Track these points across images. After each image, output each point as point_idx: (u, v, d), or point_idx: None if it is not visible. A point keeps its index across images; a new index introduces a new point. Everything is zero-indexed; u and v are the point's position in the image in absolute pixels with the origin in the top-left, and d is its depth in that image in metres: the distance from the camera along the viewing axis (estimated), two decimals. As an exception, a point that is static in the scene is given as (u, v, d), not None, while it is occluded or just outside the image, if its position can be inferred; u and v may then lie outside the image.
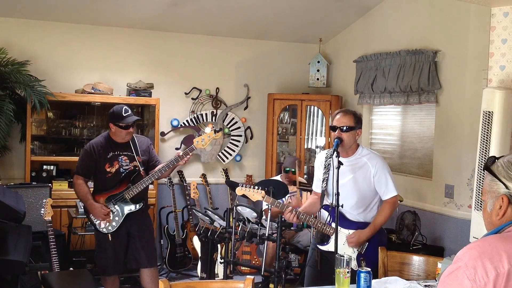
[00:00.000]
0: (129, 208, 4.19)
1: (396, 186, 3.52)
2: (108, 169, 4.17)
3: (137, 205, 4.20)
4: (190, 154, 4.18)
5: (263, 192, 3.46)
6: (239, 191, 3.54)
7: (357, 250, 3.47)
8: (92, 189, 4.31)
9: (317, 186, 3.68)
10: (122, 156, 4.20)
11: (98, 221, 4.17)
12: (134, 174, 4.19)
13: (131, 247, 4.25)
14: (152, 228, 4.70)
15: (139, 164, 4.21)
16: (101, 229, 4.17)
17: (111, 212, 4.16)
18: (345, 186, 3.38)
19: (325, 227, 3.46)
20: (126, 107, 4.17)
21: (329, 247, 3.45)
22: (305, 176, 6.16)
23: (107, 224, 4.17)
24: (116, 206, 4.18)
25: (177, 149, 6.28)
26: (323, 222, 3.48)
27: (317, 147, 6.60)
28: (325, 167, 3.52)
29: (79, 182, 4.19)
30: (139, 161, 4.21)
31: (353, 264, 3.37)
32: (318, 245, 3.53)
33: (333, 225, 3.41)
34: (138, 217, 4.26)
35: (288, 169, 5.50)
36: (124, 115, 4.09)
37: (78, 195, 4.24)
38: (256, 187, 3.52)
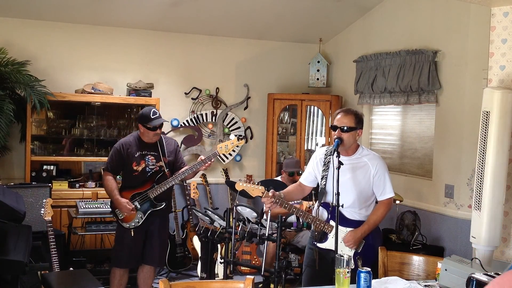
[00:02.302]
0: (151, 207, 4.33)
1: (393, 188, 3.54)
2: (135, 168, 4.32)
3: (160, 205, 4.34)
4: (213, 159, 4.33)
5: (262, 187, 3.45)
6: (238, 186, 3.54)
7: (352, 248, 3.47)
8: (120, 185, 4.48)
9: (305, 179, 3.69)
10: (149, 156, 4.36)
11: (122, 217, 4.32)
12: (159, 175, 4.33)
13: (147, 244, 4.40)
14: (168, 231, 4.95)
15: (164, 165, 4.35)
16: (124, 224, 4.33)
17: (135, 209, 4.31)
18: (344, 185, 3.38)
19: (323, 224, 3.46)
20: (154, 109, 4.31)
21: (327, 244, 3.46)
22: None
23: (130, 220, 4.32)
24: (140, 203, 4.31)
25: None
26: (321, 220, 3.48)
27: (316, 144, 6.59)
28: (324, 164, 3.52)
29: (108, 178, 4.38)
30: (164, 162, 4.36)
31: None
32: (316, 243, 3.53)
33: (331, 222, 3.41)
34: (159, 216, 4.41)
35: (292, 172, 5.49)
36: (152, 117, 4.24)
37: (106, 190, 4.43)
38: (256, 183, 3.52)
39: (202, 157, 4.33)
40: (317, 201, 3.56)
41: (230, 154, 6.53)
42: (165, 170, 4.34)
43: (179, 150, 4.55)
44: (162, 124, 4.33)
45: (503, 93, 3.47)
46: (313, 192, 4.08)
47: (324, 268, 3.41)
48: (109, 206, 4.51)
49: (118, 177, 4.60)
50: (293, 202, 3.76)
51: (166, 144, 4.43)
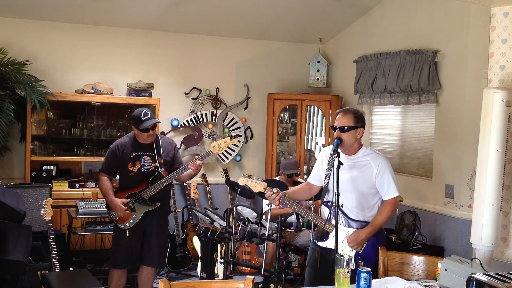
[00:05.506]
0: (146, 208, 4.31)
1: (397, 187, 3.51)
2: (130, 168, 4.32)
3: (154, 205, 4.31)
4: (207, 157, 4.37)
5: (265, 184, 3.46)
6: (241, 181, 3.54)
7: (355, 249, 3.46)
8: (118, 186, 4.48)
9: (313, 178, 3.71)
10: (145, 157, 4.34)
11: (117, 217, 4.31)
12: (153, 175, 4.30)
13: (145, 245, 4.38)
14: (167, 231, 4.95)
15: (159, 165, 4.33)
16: (119, 225, 4.32)
17: (129, 209, 4.29)
18: (344, 184, 3.38)
19: (325, 223, 3.46)
20: (146, 110, 4.26)
21: (328, 243, 3.45)
22: (305, 176, 6.16)
23: (125, 220, 4.31)
24: (134, 204, 4.29)
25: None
26: (323, 218, 3.48)
27: (316, 143, 6.59)
28: (328, 163, 3.52)
29: (103, 179, 4.39)
30: (159, 162, 4.34)
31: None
32: (317, 241, 3.52)
33: (333, 221, 3.41)
34: (156, 217, 4.39)
35: (291, 174, 5.48)
36: (143, 119, 4.21)
37: (101, 191, 4.44)
38: (259, 179, 3.52)
39: (197, 157, 4.36)
40: (320, 200, 3.56)
41: (230, 154, 6.53)
42: (160, 170, 4.32)
43: (177, 151, 4.53)
44: (155, 124, 4.31)
45: (488, 92, 3.48)
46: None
47: (325, 267, 3.40)
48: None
49: (116, 177, 4.61)
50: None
51: (163, 144, 4.41)
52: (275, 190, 3.43)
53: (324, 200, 3.51)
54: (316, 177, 3.69)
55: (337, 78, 6.66)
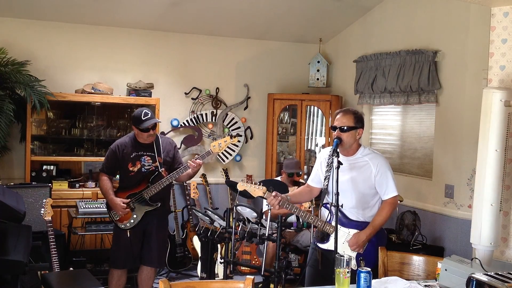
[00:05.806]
0: (147, 207, 4.31)
1: (396, 187, 3.50)
2: (130, 168, 4.32)
3: (155, 205, 4.32)
4: (207, 157, 4.38)
5: (264, 188, 3.46)
6: (240, 186, 3.54)
7: (357, 251, 3.46)
8: (118, 186, 4.49)
9: (312, 180, 3.71)
10: (145, 156, 4.35)
11: (118, 217, 4.32)
12: (153, 175, 4.31)
13: (145, 245, 4.39)
14: (167, 232, 4.96)
15: (159, 165, 4.34)
16: (119, 225, 4.33)
17: (130, 209, 4.30)
18: (344, 185, 3.38)
19: (325, 225, 3.46)
20: (146, 110, 4.27)
21: (329, 245, 3.45)
22: (305, 177, 6.16)
23: (126, 220, 4.31)
24: (135, 204, 4.30)
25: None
26: (323, 220, 3.48)
27: (316, 144, 6.59)
28: (327, 165, 3.52)
29: (103, 179, 4.41)
30: (159, 162, 4.35)
31: (352, 264, 3.37)
32: (318, 244, 3.52)
33: (333, 223, 3.40)
34: (157, 217, 4.39)
35: (292, 173, 5.48)
36: (143, 118, 4.21)
37: (101, 191, 4.45)
38: (258, 183, 3.53)
39: (197, 156, 4.37)
40: (320, 201, 3.56)
41: (230, 154, 6.53)
42: (160, 170, 4.32)
43: (177, 151, 4.53)
44: (156, 124, 4.32)
45: (487, 92, 3.48)
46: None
47: (326, 268, 3.40)
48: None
49: (116, 177, 4.61)
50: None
51: (163, 144, 4.42)
52: (274, 194, 3.43)
53: (324, 202, 3.51)
54: (316, 179, 3.68)
55: (337, 78, 6.66)
